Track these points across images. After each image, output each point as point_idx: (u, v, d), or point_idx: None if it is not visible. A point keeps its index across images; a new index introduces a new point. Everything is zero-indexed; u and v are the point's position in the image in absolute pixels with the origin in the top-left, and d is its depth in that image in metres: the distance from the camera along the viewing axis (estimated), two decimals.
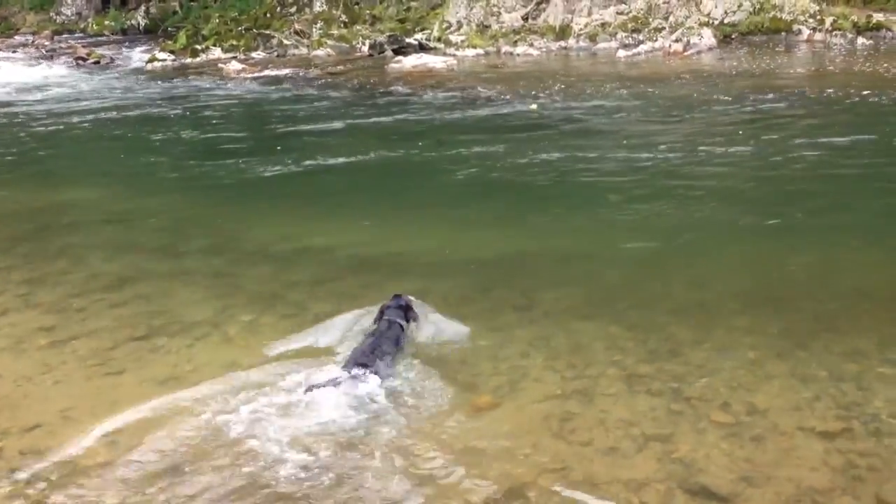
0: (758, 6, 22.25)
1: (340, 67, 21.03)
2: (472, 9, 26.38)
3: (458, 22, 26.03)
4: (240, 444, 3.87)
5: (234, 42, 25.31)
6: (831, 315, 4.92)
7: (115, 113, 14.81)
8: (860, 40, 19.64)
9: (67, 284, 6.17)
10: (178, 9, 34.21)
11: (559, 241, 6.49)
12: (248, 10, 30.30)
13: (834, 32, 20.64)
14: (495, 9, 26.52)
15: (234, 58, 23.13)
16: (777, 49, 19.49)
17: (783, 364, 4.38)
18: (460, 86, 16.40)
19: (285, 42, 25.28)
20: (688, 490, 3.44)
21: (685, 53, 19.83)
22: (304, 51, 24.76)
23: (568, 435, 3.91)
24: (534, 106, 13.11)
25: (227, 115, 14.23)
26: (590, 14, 24.48)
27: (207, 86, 18.31)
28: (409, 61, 20.71)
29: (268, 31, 26.35)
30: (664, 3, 23.59)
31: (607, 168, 8.64)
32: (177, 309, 5.61)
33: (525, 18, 25.48)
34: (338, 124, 12.66)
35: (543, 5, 25.58)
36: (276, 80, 18.68)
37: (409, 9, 28.46)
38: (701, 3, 22.95)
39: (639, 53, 20.47)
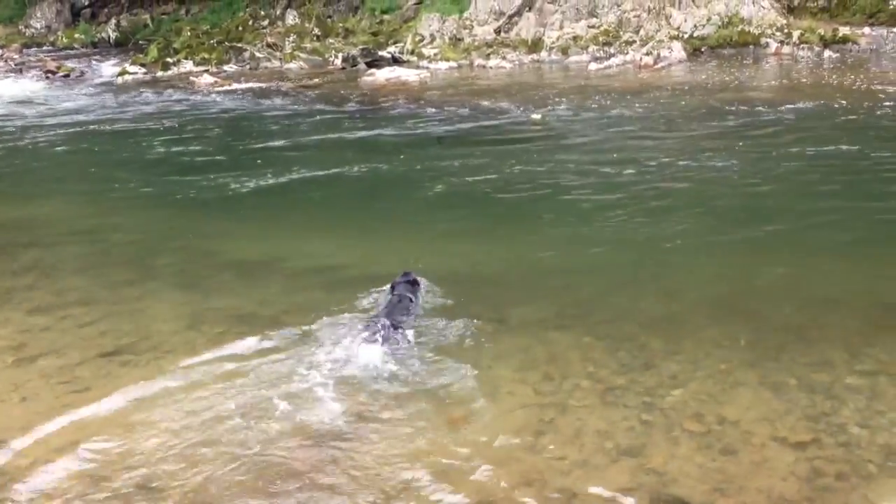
0: (726, 20, 22.56)
1: (313, 80, 21.00)
2: (444, 22, 26.50)
3: (431, 35, 26.12)
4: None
5: (206, 55, 25.19)
6: (800, 326, 4.97)
7: (84, 127, 14.67)
8: (827, 53, 19.97)
9: (34, 301, 6.08)
10: (149, 22, 34.06)
11: (533, 253, 6.50)
12: (219, 23, 30.25)
13: (801, 46, 20.98)
14: (468, 22, 26.65)
15: (206, 71, 23.03)
16: (745, 62, 19.76)
17: (754, 374, 4.41)
18: (433, 99, 16.45)
19: (258, 55, 25.21)
20: (661, 501, 3.44)
21: (656, 66, 20.04)
22: (276, 64, 24.72)
23: (543, 447, 3.90)
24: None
25: (198, 128, 14.13)
26: (561, 27, 24.68)
27: (179, 99, 18.20)
28: (383, 74, 20.73)
29: (240, 45, 26.27)
30: (634, 16, 23.85)
31: (582, 181, 8.68)
32: (146, 325, 5.54)
33: (498, 32, 25.62)
34: (311, 137, 12.63)
35: (516, 19, 25.75)
36: (249, 94, 18.62)
37: (381, 22, 28.53)
38: (671, 16, 23.24)
39: (610, 66, 20.65)
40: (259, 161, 10.85)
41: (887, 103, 12.50)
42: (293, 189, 9.30)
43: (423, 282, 5.72)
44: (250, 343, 5.11)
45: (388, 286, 5.59)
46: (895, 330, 4.81)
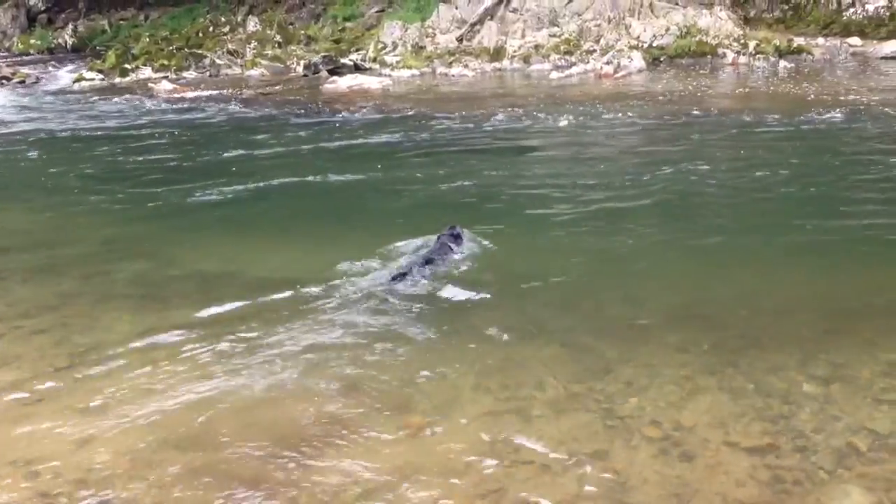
0: (684, 30, 22.91)
1: (275, 88, 20.89)
2: (407, 30, 26.53)
3: (394, 43, 26.14)
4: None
5: (165, 62, 24.94)
6: (757, 332, 5.03)
7: (39, 134, 14.42)
8: (782, 63, 20.36)
9: None
10: (107, 28, 33.63)
11: (487, 261, 6.49)
12: (179, 29, 29.95)
13: (757, 56, 21.38)
14: (430, 30, 26.71)
15: (165, 77, 22.81)
16: (703, 72, 20.07)
17: (712, 380, 4.45)
18: (396, 106, 16.45)
19: (218, 62, 25.02)
20: None
21: (616, 75, 20.27)
22: (237, 71, 24.56)
23: (502, 454, 3.90)
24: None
25: (157, 136, 13.96)
26: (523, 36, 24.86)
27: (137, 106, 18.00)
28: (345, 81, 20.70)
29: (200, 51, 26.04)
30: (595, 26, 24.10)
31: (543, 189, 8.72)
32: (101, 336, 5.43)
33: (460, 40, 25.72)
34: (272, 146, 12.54)
35: (478, 27, 25.87)
36: (209, 101, 18.45)
37: (344, 29, 28.49)
38: (630, 26, 23.52)
39: (571, 75, 20.85)
40: (219, 170, 10.74)
41: (841, 113, 12.76)
42: (253, 198, 9.20)
43: (466, 234, 6.73)
44: (208, 355, 5.04)
45: (436, 236, 6.63)
46: (847, 335, 4.88)
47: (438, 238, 6.59)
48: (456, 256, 6.42)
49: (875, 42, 21.73)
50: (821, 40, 22.49)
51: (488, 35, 25.38)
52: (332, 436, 4.08)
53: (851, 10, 23.30)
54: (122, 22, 33.99)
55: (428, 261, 6.25)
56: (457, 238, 6.61)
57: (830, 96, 14.72)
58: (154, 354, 5.12)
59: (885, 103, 13.48)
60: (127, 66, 24.52)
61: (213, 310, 5.78)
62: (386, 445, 4.00)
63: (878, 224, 6.85)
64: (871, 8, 22.98)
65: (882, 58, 20.39)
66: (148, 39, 28.35)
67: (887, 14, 22.70)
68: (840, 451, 3.73)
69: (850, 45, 21.89)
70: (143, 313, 5.82)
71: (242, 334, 5.32)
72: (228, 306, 5.82)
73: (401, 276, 6.07)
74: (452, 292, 5.92)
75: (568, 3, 25.41)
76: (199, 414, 4.33)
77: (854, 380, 4.34)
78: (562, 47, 23.55)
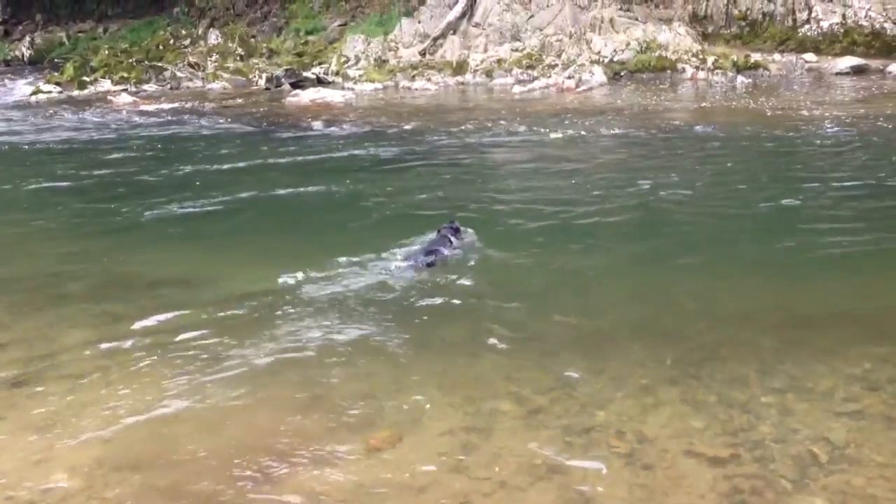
0: (644, 45, 23.21)
1: (237, 101, 20.74)
2: (369, 44, 26.55)
3: (357, 56, 26.13)
4: None
5: (125, 74, 24.65)
6: (717, 343, 5.07)
7: None
8: (740, 78, 20.70)
9: None
10: (65, 40, 33.19)
11: (449, 276, 6.48)
12: (139, 41, 29.67)
13: (715, 71, 21.71)
14: (393, 44, 26.76)
15: (125, 90, 22.54)
16: (662, 86, 20.34)
17: (674, 392, 4.48)
18: (359, 120, 16.42)
19: (179, 74, 24.80)
20: None
21: (577, 90, 20.44)
22: (198, 84, 24.36)
23: (466, 470, 3.88)
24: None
25: (115, 150, 13.76)
26: (486, 50, 25.01)
27: (96, 119, 17.74)
28: (307, 95, 20.62)
29: (160, 64, 25.80)
30: (557, 41, 24.34)
31: (505, 204, 8.73)
32: (58, 352, 5.32)
33: (423, 54, 25.80)
34: (233, 159, 12.43)
35: (441, 41, 25.98)
36: (169, 114, 18.26)
37: (306, 43, 28.44)
38: (591, 41, 23.78)
39: (534, 89, 20.99)
40: (178, 184, 10.62)
41: (800, 128, 13.00)
42: (214, 212, 9.08)
43: (468, 231, 7.34)
44: (167, 370, 4.96)
45: (437, 230, 7.19)
46: (805, 346, 4.95)
47: (439, 231, 7.18)
48: (455, 249, 6.99)
49: (829, 58, 22.20)
50: (777, 56, 22.91)
51: (451, 49, 25.50)
52: (294, 452, 4.04)
53: (806, 26, 23.80)
54: (80, 34, 33.60)
55: (429, 251, 6.81)
56: (456, 231, 7.20)
57: (789, 111, 15.00)
58: (111, 370, 5.03)
59: (841, 118, 13.76)
60: (85, 78, 24.18)
61: (173, 324, 5.69)
62: (349, 462, 3.96)
63: (835, 236, 6.96)
64: (825, 25, 23.49)
65: (836, 73, 20.84)
66: (107, 52, 28.00)
67: (841, 31, 23.21)
68: (801, 462, 3.77)
69: (806, 61, 22.33)
70: (100, 329, 5.71)
71: (202, 349, 5.25)
72: (188, 321, 5.73)
73: (406, 262, 6.72)
74: (420, 303, 5.91)
75: (529, 18, 25.64)
76: (156, 430, 4.26)
77: (813, 391, 4.40)
78: (524, 62, 23.72)
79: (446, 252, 6.87)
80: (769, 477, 3.67)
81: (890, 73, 19.73)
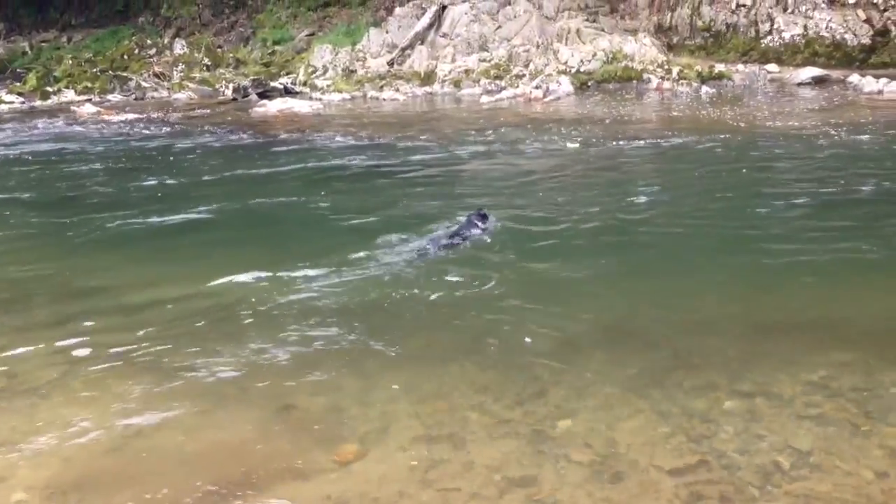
0: (611, 56, 23.45)
1: (203, 111, 20.58)
2: (337, 54, 26.53)
3: (324, 66, 26.10)
4: None
5: (89, 84, 24.38)
6: (684, 351, 5.11)
7: None
8: (704, 89, 20.99)
9: None
10: (27, 49, 32.74)
11: (417, 286, 6.47)
12: (103, 51, 29.35)
13: (681, 81, 22.00)
14: (361, 54, 26.77)
15: (89, 100, 22.27)
16: (628, 96, 20.55)
17: (640, 401, 4.49)
18: (327, 130, 16.38)
19: (144, 84, 24.59)
20: None
21: (545, 100, 20.59)
22: (164, 94, 24.18)
23: (434, 481, 3.86)
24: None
25: (78, 161, 13.57)
26: (453, 61, 25.10)
27: (59, 130, 17.51)
28: (275, 105, 20.54)
29: (125, 74, 25.56)
30: (524, 51, 24.50)
31: (468, 211, 8.72)
32: (17, 368, 5.21)
33: (391, 64, 25.84)
34: (199, 171, 12.33)
35: (409, 52, 26.04)
36: (135, 124, 18.07)
37: (273, 53, 28.34)
38: (558, 52, 23.97)
39: (501, 99, 21.10)
40: (142, 196, 10.49)
41: (767, 137, 13.19)
42: (178, 225, 8.97)
43: (492, 218, 7.93)
44: (131, 385, 4.88)
45: (465, 216, 7.90)
46: (768, 353, 5.00)
47: (468, 217, 7.84)
48: (479, 233, 7.64)
49: (791, 68, 22.59)
50: (741, 66, 23.27)
51: (419, 59, 25.57)
52: (260, 466, 3.99)
53: (769, 37, 24.19)
54: (43, 44, 33.15)
55: (455, 234, 7.56)
56: (484, 218, 7.83)
57: (754, 121, 15.21)
58: (72, 384, 4.94)
59: (804, 128, 13.99)
60: (48, 88, 23.88)
61: (136, 337, 5.61)
62: (317, 477, 3.92)
63: (798, 245, 7.05)
64: (787, 36, 23.90)
65: (798, 84, 21.20)
66: (71, 62, 27.66)
67: (802, 42, 23.63)
68: (765, 469, 3.79)
69: (769, 72, 22.71)
70: (60, 343, 5.60)
71: (166, 362, 5.18)
72: (151, 334, 5.65)
73: (431, 244, 7.41)
74: (388, 313, 5.89)
75: (497, 28, 25.79)
76: (118, 446, 4.19)
77: (777, 398, 4.44)
78: (492, 72, 23.84)
79: (469, 235, 7.55)
80: (735, 484, 3.70)
81: (850, 83, 20.11)
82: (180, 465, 4.06)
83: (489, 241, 7.49)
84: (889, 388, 4.49)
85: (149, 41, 29.90)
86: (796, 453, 3.91)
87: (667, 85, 21.86)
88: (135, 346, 5.45)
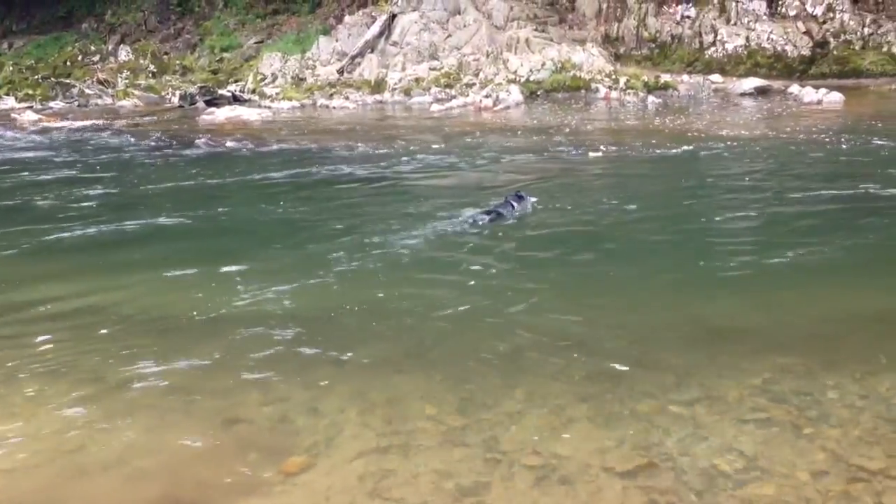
0: (560, 65, 23.71)
1: (149, 119, 20.25)
2: (287, 61, 26.35)
3: (273, 74, 25.89)
4: None
5: (30, 91, 23.85)
6: (631, 358, 5.14)
7: None
8: (651, 98, 21.35)
9: None
10: None
11: (370, 294, 6.43)
12: (45, 57, 28.71)
13: (628, 91, 22.33)
14: (311, 62, 26.63)
15: (30, 108, 21.77)
16: (577, 105, 20.79)
17: (588, 407, 4.52)
18: (275, 139, 16.24)
19: (87, 91, 24.12)
20: None
21: (495, 108, 20.71)
22: (108, 101, 23.74)
23: (383, 492, 3.83)
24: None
25: (17, 170, 13.22)
26: (404, 69, 25.11)
27: None
28: (223, 113, 20.30)
29: (68, 81, 25.04)
30: (474, 60, 24.63)
31: (419, 222, 8.71)
32: None
33: (341, 72, 25.75)
34: (142, 180, 12.10)
35: (359, 60, 25.98)
36: (78, 132, 17.69)
37: (221, 60, 28.05)
38: (508, 61, 24.15)
39: (452, 108, 21.17)
40: (85, 207, 10.25)
41: (711, 146, 13.43)
42: (122, 237, 8.74)
43: (531, 199, 8.82)
44: (68, 398, 4.76)
45: (504, 197, 8.82)
46: (713, 359, 5.06)
47: (506, 198, 8.72)
48: (517, 212, 8.50)
49: (734, 79, 23.10)
50: (685, 77, 23.72)
51: (369, 67, 25.52)
52: (205, 482, 3.91)
53: (713, 48, 24.72)
54: None
55: (492, 211, 8.40)
56: (520, 199, 8.66)
57: (699, 131, 15.47)
58: (11, 399, 4.80)
59: (748, 137, 14.29)
60: None
61: (77, 349, 5.47)
62: (262, 490, 3.85)
63: (746, 251, 7.18)
64: (730, 47, 24.45)
65: (741, 94, 21.69)
66: (11, 68, 27.01)
67: (745, 53, 24.20)
68: (710, 473, 3.84)
69: (713, 82, 23.19)
70: None
71: (108, 375, 5.06)
72: (93, 347, 5.52)
73: (484, 215, 8.32)
74: (337, 322, 5.84)
75: (447, 37, 25.89)
76: (58, 461, 4.08)
77: (721, 402, 4.50)
78: (442, 80, 23.91)
79: (505, 213, 8.41)
80: (681, 489, 3.74)
81: (791, 93, 20.63)
82: (122, 481, 3.97)
83: (527, 215, 8.54)
84: (828, 391, 4.59)
85: (92, 47, 29.34)
86: (740, 457, 3.96)
87: (614, 94, 22.16)
88: (75, 359, 5.32)
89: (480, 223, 8.19)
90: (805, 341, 5.30)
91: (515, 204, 8.54)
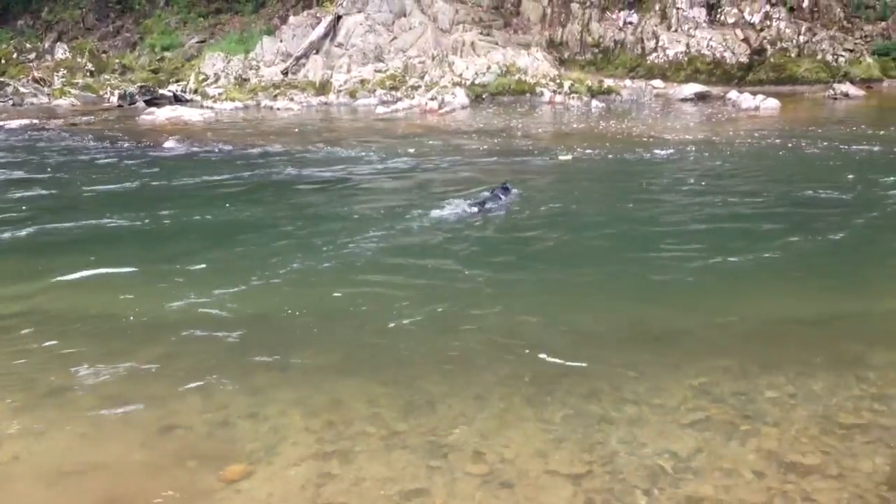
0: (505, 69, 23.85)
1: (86, 118, 19.77)
2: (230, 62, 25.99)
3: (216, 74, 25.52)
4: None
5: None
6: (573, 360, 5.17)
7: None
8: (594, 102, 21.61)
9: None
10: None
11: (313, 298, 6.37)
12: None
13: (572, 95, 22.57)
14: (254, 62, 26.32)
15: None
16: (521, 109, 20.93)
17: (530, 410, 4.54)
18: (217, 140, 15.99)
19: (22, 90, 23.46)
20: None
21: (440, 111, 20.73)
22: (44, 100, 23.13)
23: (325, 499, 3.79)
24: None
25: None
26: (349, 71, 24.98)
27: None
28: (163, 113, 19.93)
29: (2, 79, 24.33)
30: (419, 63, 24.62)
31: (365, 223, 8.67)
32: None
33: (285, 73, 25.51)
34: (78, 182, 11.79)
35: (303, 61, 25.77)
36: (11, 133, 17.18)
37: (162, 59, 27.56)
38: (453, 64, 24.20)
39: (398, 110, 21.13)
40: (19, 207, 9.95)
41: (648, 149, 13.63)
42: (56, 239, 8.51)
43: (514, 190, 9.49)
44: (1, 407, 4.60)
45: (491, 188, 9.41)
46: (653, 361, 5.13)
47: (492, 190, 9.26)
48: (504, 203, 9.03)
49: (675, 84, 23.56)
50: (628, 82, 24.10)
51: (314, 69, 25.33)
52: (142, 491, 3.82)
53: (654, 54, 25.15)
54: None
55: (483, 201, 8.94)
56: (506, 191, 9.29)
57: (642, 135, 15.70)
58: None
59: (688, 141, 14.54)
60: None
61: (7, 353, 5.30)
62: (201, 499, 3.78)
63: (685, 255, 7.28)
64: (671, 53, 24.90)
65: (681, 99, 22.12)
66: None
67: (685, 59, 24.67)
68: (651, 473, 3.89)
69: (654, 87, 23.60)
70: None
71: (40, 381, 4.91)
72: (25, 351, 5.36)
73: (477, 205, 8.82)
74: (280, 325, 5.77)
75: (393, 39, 25.85)
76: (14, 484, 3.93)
77: (661, 404, 4.56)
78: (387, 83, 23.85)
79: (492, 204, 8.90)
80: (622, 489, 3.77)
81: (730, 99, 21.09)
82: (56, 490, 3.85)
83: (512, 208, 8.97)
84: (765, 391, 4.68)
85: (28, 45, 28.57)
86: (680, 456, 4.02)
87: (559, 98, 22.38)
88: (5, 364, 5.15)
89: (469, 213, 8.62)
90: (742, 343, 5.40)
91: (503, 196, 9.08)
